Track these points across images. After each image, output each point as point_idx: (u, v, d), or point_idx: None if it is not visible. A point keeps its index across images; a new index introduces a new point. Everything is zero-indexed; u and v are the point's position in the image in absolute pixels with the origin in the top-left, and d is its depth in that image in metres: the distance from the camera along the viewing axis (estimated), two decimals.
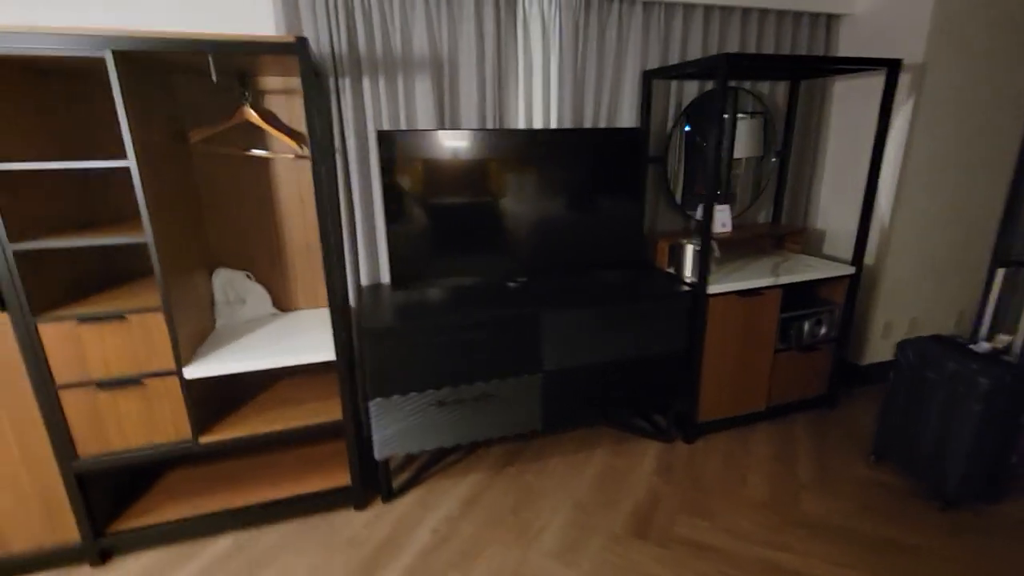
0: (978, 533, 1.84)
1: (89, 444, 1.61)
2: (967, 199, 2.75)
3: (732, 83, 2.61)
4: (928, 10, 2.34)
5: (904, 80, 2.47)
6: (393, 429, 1.91)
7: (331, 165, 2.09)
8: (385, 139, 1.89)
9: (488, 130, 2.01)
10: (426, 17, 2.10)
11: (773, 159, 2.78)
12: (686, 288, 2.19)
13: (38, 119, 1.55)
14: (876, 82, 2.57)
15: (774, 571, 1.68)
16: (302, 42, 1.50)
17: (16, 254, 1.41)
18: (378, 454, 1.93)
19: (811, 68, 2.31)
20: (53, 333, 1.49)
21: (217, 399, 1.90)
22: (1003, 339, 2.39)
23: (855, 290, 2.47)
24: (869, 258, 2.72)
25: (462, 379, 1.94)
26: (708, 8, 2.48)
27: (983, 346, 1.93)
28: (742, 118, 2.62)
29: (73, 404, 1.57)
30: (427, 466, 2.26)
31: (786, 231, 2.74)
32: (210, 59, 1.46)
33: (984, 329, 2.74)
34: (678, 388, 2.28)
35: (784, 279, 2.29)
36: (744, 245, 2.86)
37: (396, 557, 1.76)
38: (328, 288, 1.70)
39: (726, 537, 1.83)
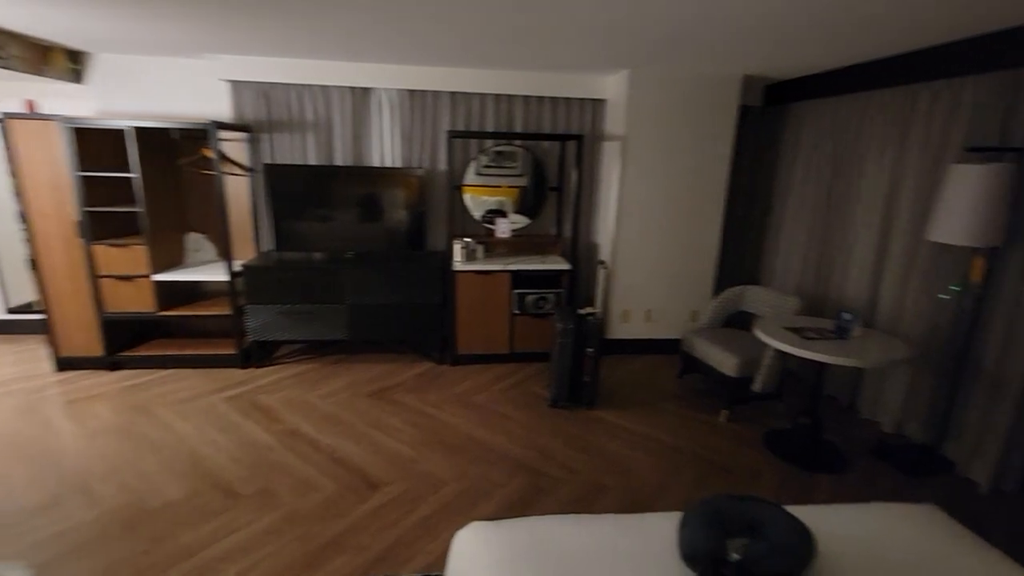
0: (557, 419, 3.08)
1: (109, 305, 3.39)
2: (685, 232, 3.90)
3: (517, 143, 3.99)
4: (623, 100, 3.62)
5: (616, 145, 3.74)
6: (259, 324, 3.53)
7: (255, 181, 3.79)
8: (268, 168, 3.55)
9: (324, 165, 3.63)
10: (312, 101, 3.75)
11: (551, 191, 4.10)
12: (440, 266, 3.61)
13: (105, 150, 3.37)
14: (617, 145, 3.81)
15: (419, 414, 3.07)
16: (214, 124, 3.18)
17: (86, 213, 3.21)
18: (251, 337, 3.55)
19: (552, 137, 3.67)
20: (98, 250, 3.28)
21: (176, 295, 3.63)
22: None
23: (572, 281, 3.75)
24: (610, 261, 3.94)
25: (297, 301, 3.52)
26: (497, 96, 3.91)
27: (587, 310, 3.17)
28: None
29: (104, 284, 3.35)
30: (290, 356, 3.86)
31: (553, 239, 4.06)
32: (168, 130, 3.19)
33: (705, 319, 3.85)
34: (440, 328, 3.70)
35: (511, 267, 3.64)
36: (531, 246, 4.15)
37: (239, 386, 3.37)
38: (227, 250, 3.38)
39: (416, 402, 3.24)
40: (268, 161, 3.78)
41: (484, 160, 4.00)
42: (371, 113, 3.88)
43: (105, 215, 3.36)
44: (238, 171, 3.73)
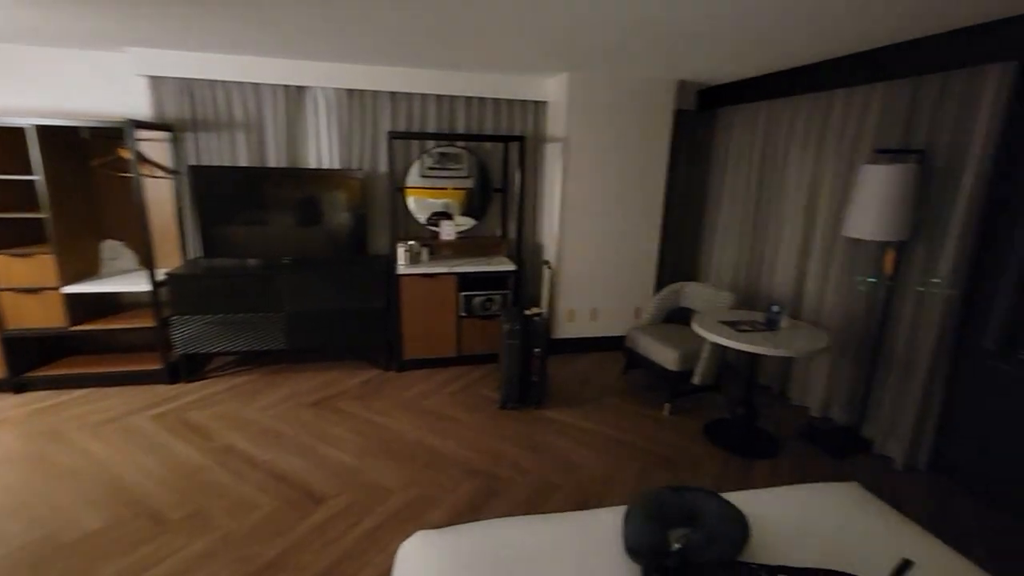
0: (507, 420, 3.08)
1: (12, 321, 3.07)
2: (626, 231, 4.00)
3: (460, 144, 3.96)
4: (564, 103, 3.67)
5: (557, 147, 3.79)
6: (187, 336, 3.31)
7: (179, 183, 3.55)
8: (193, 170, 3.34)
9: (255, 167, 3.46)
10: (241, 99, 3.56)
11: (496, 192, 4.10)
12: (384, 270, 3.53)
13: (3, 151, 3.05)
14: (559, 147, 3.86)
15: (365, 423, 2.98)
16: (130, 122, 2.96)
17: None
18: (179, 350, 3.33)
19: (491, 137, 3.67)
20: None
21: (90, 308, 3.34)
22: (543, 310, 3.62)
23: (518, 282, 3.76)
24: (554, 261, 3.99)
25: (230, 310, 3.33)
26: (439, 96, 3.86)
27: (533, 310, 3.19)
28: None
29: (4, 298, 3.03)
30: (224, 369, 3.65)
31: (498, 241, 4.05)
32: (78, 128, 2.93)
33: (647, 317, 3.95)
34: (385, 333, 3.61)
35: (457, 269, 3.60)
36: (476, 248, 4.13)
37: (166, 403, 3.14)
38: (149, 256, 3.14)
39: (361, 410, 3.14)
40: (193, 163, 3.55)
41: (428, 162, 3.94)
42: (307, 113, 3.73)
43: (3, 222, 3.04)
44: (160, 173, 3.48)
